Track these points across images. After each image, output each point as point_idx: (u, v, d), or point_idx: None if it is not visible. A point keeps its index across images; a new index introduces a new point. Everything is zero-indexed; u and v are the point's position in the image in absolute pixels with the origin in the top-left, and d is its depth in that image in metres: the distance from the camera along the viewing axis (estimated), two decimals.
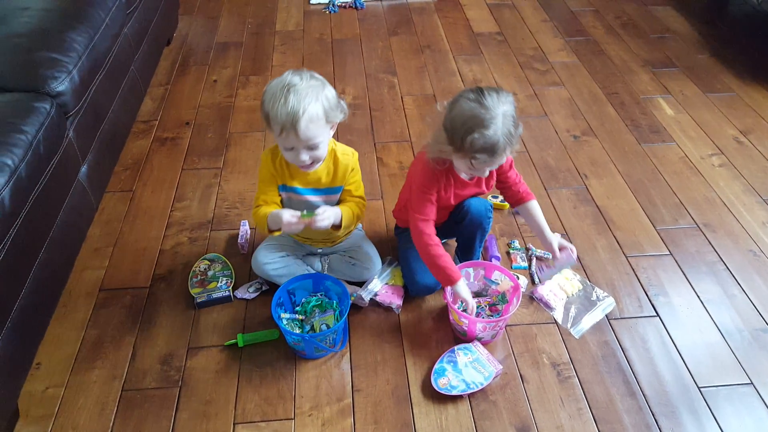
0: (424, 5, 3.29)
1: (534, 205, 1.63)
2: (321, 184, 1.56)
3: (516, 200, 1.64)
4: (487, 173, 1.49)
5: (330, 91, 1.41)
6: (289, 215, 1.44)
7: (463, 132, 1.32)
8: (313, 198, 1.58)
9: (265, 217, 1.51)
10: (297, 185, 1.55)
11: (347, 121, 2.35)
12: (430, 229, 1.52)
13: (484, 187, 1.59)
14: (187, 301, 1.70)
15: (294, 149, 1.41)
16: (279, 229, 1.52)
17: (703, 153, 2.26)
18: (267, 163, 1.55)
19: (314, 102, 1.36)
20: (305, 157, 1.42)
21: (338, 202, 1.61)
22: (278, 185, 1.57)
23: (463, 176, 1.54)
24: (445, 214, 1.63)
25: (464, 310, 1.52)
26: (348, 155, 1.57)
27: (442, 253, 1.51)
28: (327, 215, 1.46)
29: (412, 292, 1.69)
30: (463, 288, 1.52)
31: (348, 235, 1.76)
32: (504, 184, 1.63)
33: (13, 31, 1.77)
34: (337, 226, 1.54)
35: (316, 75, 1.42)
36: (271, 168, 1.54)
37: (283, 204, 1.60)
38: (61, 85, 1.67)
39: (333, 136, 1.52)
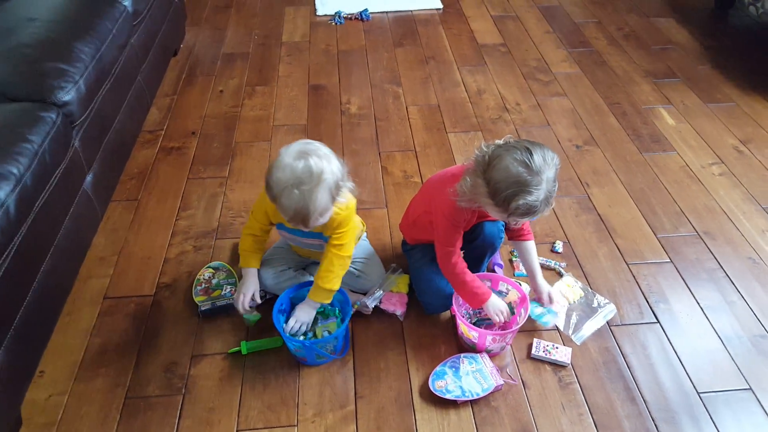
0: (429, 17, 3.33)
1: (531, 246, 1.65)
2: (315, 228, 1.51)
3: (515, 235, 1.64)
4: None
5: (337, 172, 1.36)
6: (247, 299, 1.57)
7: (506, 194, 1.29)
8: (311, 240, 1.59)
9: (243, 260, 1.62)
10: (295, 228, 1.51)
11: (353, 131, 2.41)
12: (457, 258, 1.53)
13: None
14: (190, 309, 1.71)
15: None
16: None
17: (703, 162, 2.27)
18: (265, 202, 1.50)
19: (324, 195, 1.33)
20: (309, 229, 1.44)
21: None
22: (274, 223, 1.58)
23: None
24: None
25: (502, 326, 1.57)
26: (340, 212, 1.48)
27: (470, 275, 1.53)
28: (300, 324, 1.54)
29: (427, 310, 1.68)
30: (496, 302, 1.54)
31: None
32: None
33: (20, 42, 1.80)
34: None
35: (321, 152, 1.36)
36: (267, 207, 1.53)
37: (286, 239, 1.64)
38: (68, 94, 1.69)
39: None
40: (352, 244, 1.57)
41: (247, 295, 1.58)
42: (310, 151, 1.34)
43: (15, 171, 1.41)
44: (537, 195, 1.28)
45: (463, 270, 1.52)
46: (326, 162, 1.34)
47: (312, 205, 1.32)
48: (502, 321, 1.55)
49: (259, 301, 1.61)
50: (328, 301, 1.56)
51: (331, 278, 1.52)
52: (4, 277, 1.33)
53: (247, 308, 1.58)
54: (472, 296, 1.54)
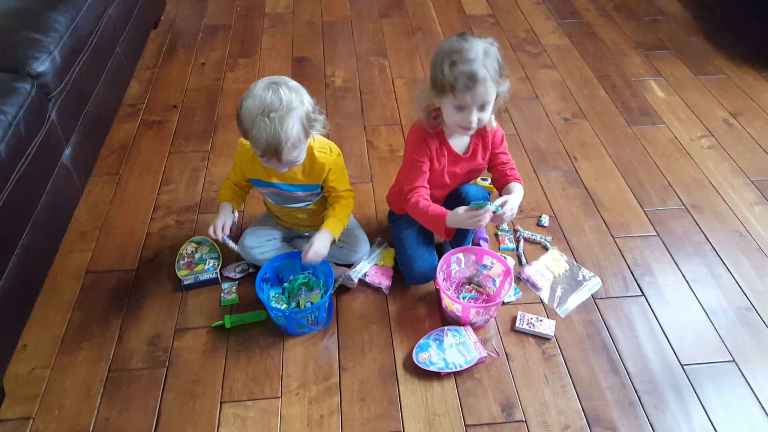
0: None
1: (517, 185, 1.56)
2: (298, 180, 1.55)
3: (503, 183, 1.59)
4: (474, 119, 1.39)
5: (308, 105, 1.38)
6: (218, 229, 1.56)
7: (442, 64, 1.35)
8: (294, 193, 1.58)
9: (221, 199, 1.63)
10: (276, 181, 1.55)
11: (338, 104, 2.37)
12: (418, 197, 1.51)
13: (479, 160, 1.57)
14: (174, 283, 1.69)
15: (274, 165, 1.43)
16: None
17: (692, 135, 2.26)
18: (241, 156, 1.55)
19: (295, 124, 1.33)
20: (285, 169, 1.45)
21: (320, 194, 1.61)
22: (250, 179, 1.58)
23: (455, 147, 1.53)
24: (441, 199, 1.63)
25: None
26: (326, 153, 1.52)
27: (431, 206, 1.50)
28: (318, 256, 1.51)
29: (409, 281, 1.68)
30: (456, 214, 1.41)
31: None
32: (494, 161, 1.60)
33: None
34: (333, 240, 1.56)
35: (291, 84, 1.37)
36: (244, 163, 1.55)
37: (267, 197, 1.63)
38: (42, 65, 1.65)
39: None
40: (346, 179, 1.61)
41: (218, 224, 1.56)
42: (280, 83, 1.35)
43: None
44: (474, 55, 1.32)
45: (425, 204, 1.50)
46: (296, 93, 1.35)
47: (283, 133, 1.31)
48: (486, 219, 1.38)
49: (228, 232, 1.59)
50: (337, 234, 1.56)
51: (341, 225, 1.57)
52: None
53: (217, 235, 1.56)
54: (433, 222, 1.48)
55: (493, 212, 1.40)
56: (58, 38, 1.74)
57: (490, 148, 1.58)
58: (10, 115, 1.46)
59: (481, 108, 1.39)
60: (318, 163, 1.51)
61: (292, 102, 1.33)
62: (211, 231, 1.56)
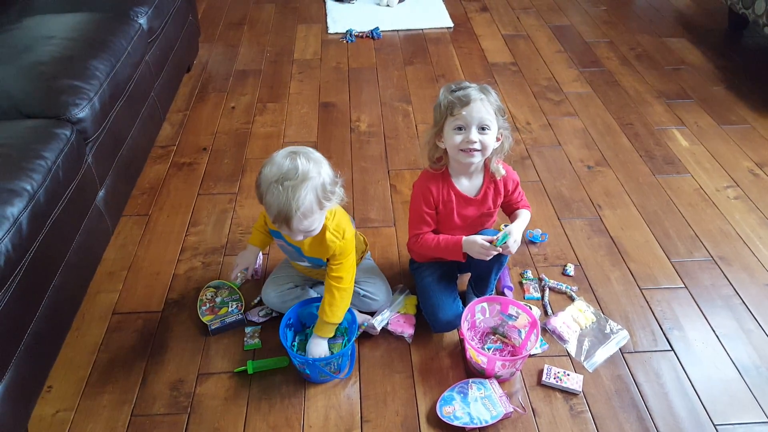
0: (440, 35, 3.35)
1: (524, 212, 1.63)
2: (304, 250, 1.54)
3: (511, 211, 1.66)
4: (475, 137, 1.41)
5: (326, 176, 1.36)
6: (235, 272, 1.68)
7: (442, 95, 1.46)
8: (300, 264, 1.64)
9: (250, 242, 1.70)
10: (286, 239, 1.54)
11: (362, 148, 2.41)
12: (423, 234, 1.58)
13: (490, 203, 1.58)
14: (198, 326, 1.70)
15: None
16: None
17: (718, 185, 2.24)
18: (262, 215, 1.64)
19: (308, 194, 1.31)
20: (299, 237, 1.41)
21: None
22: (271, 231, 1.61)
23: (463, 190, 1.56)
24: None
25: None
26: (336, 240, 1.47)
27: (440, 236, 1.57)
28: (319, 351, 1.54)
29: (435, 329, 1.66)
30: (475, 239, 1.50)
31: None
32: (507, 201, 1.64)
33: (37, 59, 1.82)
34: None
35: (313, 155, 1.37)
36: (262, 221, 1.65)
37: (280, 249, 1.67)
38: (82, 111, 1.71)
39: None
40: (352, 274, 1.55)
41: (238, 267, 1.68)
42: (300, 152, 1.36)
43: (28, 188, 1.42)
44: (470, 85, 1.45)
45: (432, 236, 1.58)
46: (314, 164, 1.35)
47: (295, 202, 1.30)
48: (491, 255, 1.50)
49: (249, 277, 1.73)
50: (331, 335, 1.56)
51: (334, 311, 1.52)
52: (15, 294, 1.33)
53: (235, 278, 1.69)
54: (451, 250, 1.55)
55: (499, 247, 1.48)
56: (98, 85, 1.81)
57: (502, 194, 1.60)
58: (49, 160, 1.52)
59: (482, 129, 1.43)
60: (327, 246, 1.48)
61: (309, 172, 1.32)
62: (231, 275, 1.70)
